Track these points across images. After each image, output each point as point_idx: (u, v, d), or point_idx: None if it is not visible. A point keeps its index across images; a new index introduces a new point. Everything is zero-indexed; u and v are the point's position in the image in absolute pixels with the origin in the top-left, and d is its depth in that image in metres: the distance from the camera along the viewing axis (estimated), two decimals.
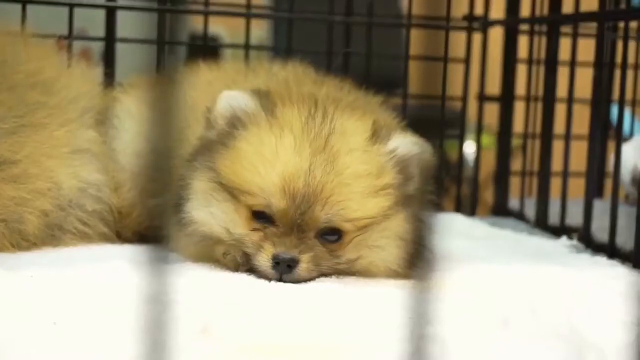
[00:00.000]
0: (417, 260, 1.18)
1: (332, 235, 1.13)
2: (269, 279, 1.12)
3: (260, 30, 3.54)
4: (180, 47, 1.91)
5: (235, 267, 1.16)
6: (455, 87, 1.94)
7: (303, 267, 1.11)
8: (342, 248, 1.14)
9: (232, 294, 1.07)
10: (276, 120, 1.15)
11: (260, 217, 1.13)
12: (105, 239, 1.36)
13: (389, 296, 1.05)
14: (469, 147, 2.45)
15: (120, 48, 1.69)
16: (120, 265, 1.12)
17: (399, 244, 1.15)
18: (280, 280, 1.11)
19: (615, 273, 1.25)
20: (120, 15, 1.67)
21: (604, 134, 1.99)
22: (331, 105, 1.18)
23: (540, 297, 1.12)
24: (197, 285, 1.11)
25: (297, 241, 1.11)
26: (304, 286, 1.12)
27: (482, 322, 1.01)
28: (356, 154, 1.13)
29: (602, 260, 1.39)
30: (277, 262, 1.10)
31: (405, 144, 1.16)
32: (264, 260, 1.11)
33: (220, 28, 3.08)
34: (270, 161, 1.12)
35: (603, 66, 1.55)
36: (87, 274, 1.10)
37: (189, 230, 1.18)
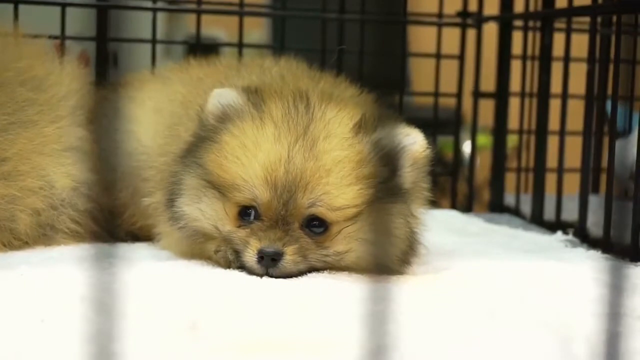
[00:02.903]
0: (410, 256, 1.18)
1: (318, 227, 1.12)
2: (258, 275, 1.12)
3: (260, 31, 3.55)
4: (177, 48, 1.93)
5: (227, 265, 1.16)
6: (450, 84, 1.94)
7: (288, 260, 1.11)
8: (329, 240, 1.13)
9: (221, 290, 1.07)
10: (261, 113, 1.15)
11: (247, 213, 1.13)
12: (97, 238, 1.36)
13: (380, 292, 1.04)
14: (468, 147, 2.45)
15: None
16: (110, 264, 1.11)
17: (390, 239, 1.13)
18: (267, 274, 1.11)
19: (607, 267, 1.25)
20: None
21: (600, 129, 1.98)
22: (318, 97, 1.17)
23: (530, 290, 1.12)
24: (185, 282, 1.11)
25: (282, 234, 1.11)
26: (292, 282, 1.12)
27: (470, 312, 1.01)
28: (335, 141, 1.12)
29: (596, 254, 1.39)
30: (261, 256, 1.10)
31: (394, 135, 1.14)
32: (250, 255, 1.11)
33: (221, 30, 3.08)
34: (252, 151, 1.12)
35: (596, 61, 1.54)
36: (76, 273, 1.10)
37: (181, 225, 1.18)
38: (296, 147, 1.11)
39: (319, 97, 1.18)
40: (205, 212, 1.16)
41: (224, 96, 1.18)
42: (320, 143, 1.11)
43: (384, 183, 1.13)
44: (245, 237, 1.13)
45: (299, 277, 1.14)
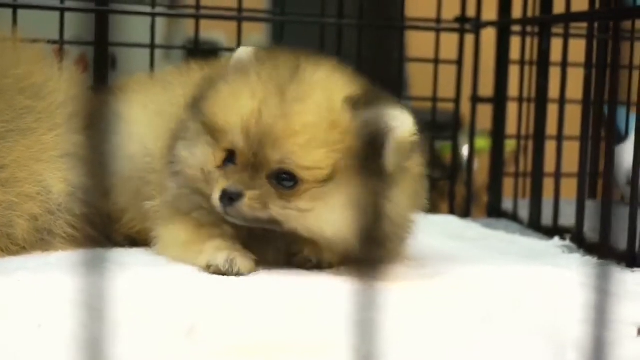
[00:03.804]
0: (379, 243, 1.17)
1: (288, 181, 1.15)
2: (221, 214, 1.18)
3: (259, 34, 3.55)
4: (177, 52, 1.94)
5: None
6: (448, 89, 1.94)
7: (245, 202, 1.15)
8: (296, 196, 1.15)
9: (217, 295, 1.08)
10: (258, 69, 1.20)
11: (230, 158, 1.18)
12: (95, 242, 1.36)
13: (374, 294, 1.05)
14: (466, 151, 2.46)
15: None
16: (107, 269, 1.12)
17: (358, 213, 1.14)
18: (226, 214, 1.17)
19: (603, 273, 1.25)
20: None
21: (598, 134, 1.98)
22: (311, 65, 1.21)
23: (526, 296, 1.12)
24: (182, 286, 1.12)
25: (248, 179, 1.16)
26: (289, 284, 1.14)
27: (465, 317, 1.01)
28: (311, 105, 1.15)
29: (592, 260, 1.39)
30: (223, 195, 1.15)
31: (381, 114, 1.14)
32: (216, 193, 1.17)
33: (221, 34, 3.09)
34: (234, 101, 1.18)
35: (594, 66, 1.55)
36: (74, 278, 1.10)
37: (176, 169, 1.25)
38: (270, 104, 1.15)
39: (312, 65, 1.21)
40: (196, 155, 1.22)
41: (240, 52, 1.24)
42: (295, 104, 1.15)
43: (364, 159, 1.12)
44: (218, 177, 1.18)
45: (296, 279, 1.17)
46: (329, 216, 1.16)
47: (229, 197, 1.15)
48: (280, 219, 1.17)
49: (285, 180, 1.15)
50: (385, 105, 1.17)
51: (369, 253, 1.17)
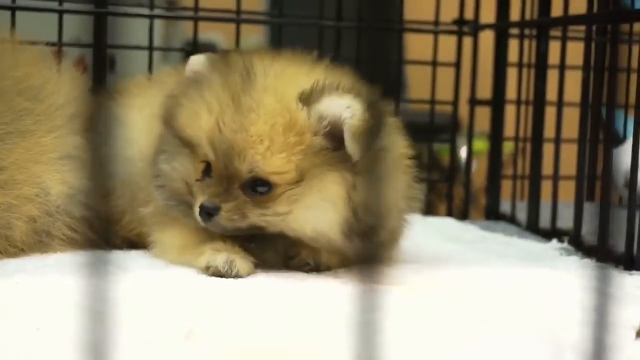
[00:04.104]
0: (359, 232, 1.17)
1: (262, 186, 1.17)
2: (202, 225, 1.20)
3: (257, 35, 3.55)
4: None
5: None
6: (446, 91, 1.95)
7: (223, 216, 1.17)
8: (272, 200, 1.17)
9: (216, 297, 1.08)
10: (211, 79, 1.21)
11: (207, 170, 1.20)
12: (94, 245, 1.36)
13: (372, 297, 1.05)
14: (465, 152, 2.46)
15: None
16: (106, 271, 1.12)
17: (333, 208, 1.16)
18: (207, 226, 1.19)
19: (601, 275, 1.25)
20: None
21: (596, 136, 1.99)
22: (263, 68, 1.20)
23: (523, 298, 1.12)
24: (181, 289, 1.12)
25: (222, 191, 1.17)
26: (288, 287, 1.14)
27: (462, 320, 1.02)
28: (264, 113, 1.15)
29: (590, 263, 1.39)
30: (201, 210, 1.18)
31: (335, 105, 1.14)
32: (195, 208, 1.19)
33: (219, 35, 3.09)
34: (195, 117, 1.19)
35: (592, 69, 1.55)
36: (72, 281, 1.10)
37: (159, 183, 1.27)
38: (227, 118, 1.16)
39: (264, 66, 1.21)
40: (177, 169, 1.24)
41: (195, 62, 1.26)
42: (248, 114, 1.15)
43: (328, 151, 1.16)
44: (196, 190, 1.20)
45: (294, 281, 1.17)
46: (307, 215, 1.17)
47: (206, 212, 1.17)
48: (261, 225, 1.19)
49: (260, 186, 1.16)
50: (335, 95, 1.16)
51: (359, 247, 1.18)
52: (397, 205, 1.25)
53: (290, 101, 1.16)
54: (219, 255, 1.19)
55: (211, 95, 1.19)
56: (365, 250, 1.13)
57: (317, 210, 1.16)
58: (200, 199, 1.18)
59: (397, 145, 1.26)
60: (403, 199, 1.27)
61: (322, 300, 1.09)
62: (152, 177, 1.28)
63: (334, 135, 1.15)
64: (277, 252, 1.26)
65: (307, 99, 1.16)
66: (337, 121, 1.14)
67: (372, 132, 1.15)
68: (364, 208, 1.15)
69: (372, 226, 1.16)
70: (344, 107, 1.14)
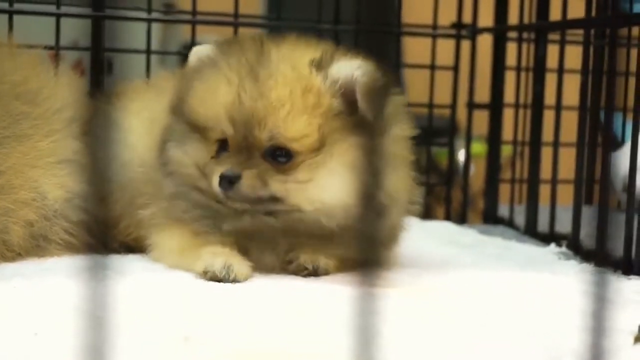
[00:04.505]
0: (377, 202, 1.18)
1: (283, 156, 1.18)
2: (222, 201, 1.20)
3: None
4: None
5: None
6: (445, 95, 1.95)
7: (245, 183, 1.17)
8: (292, 169, 1.19)
9: (214, 302, 1.08)
10: (226, 58, 1.24)
11: (223, 147, 1.21)
12: (91, 249, 1.35)
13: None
14: (463, 155, 2.46)
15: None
16: (103, 276, 1.12)
17: (353, 173, 1.17)
18: (227, 198, 1.18)
19: (599, 280, 1.25)
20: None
21: (594, 140, 1.99)
22: (273, 43, 1.25)
23: (522, 302, 1.12)
24: (179, 293, 1.12)
25: (244, 160, 1.18)
26: (286, 291, 1.14)
27: (460, 324, 1.02)
28: (281, 78, 1.18)
29: (588, 267, 1.39)
30: (222, 179, 1.18)
31: (346, 67, 1.19)
32: (215, 181, 1.19)
33: (216, 38, 3.08)
34: (213, 93, 1.21)
35: (590, 73, 1.55)
36: (70, 285, 1.10)
37: (169, 170, 1.27)
38: (247, 88, 1.18)
39: (275, 42, 1.25)
40: (188, 153, 1.25)
41: (200, 51, 1.29)
42: (267, 82, 1.18)
43: (345, 116, 1.19)
44: (212, 167, 1.21)
45: (292, 285, 1.17)
46: (327, 182, 1.18)
47: (228, 181, 1.17)
48: (281, 195, 1.19)
49: (280, 156, 1.18)
50: (346, 59, 1.21)
51: (371, 228, 1.18)
52: (400, 196, 1.26)
53: (304, 68, 1.20)
54: (217, 260, 1.19)
55: (230, 69, 1.21)
56: (369, 246, 1.13)
57: (338, 177, 1.18)
58: (218, 171, 1.18)
59: (402, 127, 1.28)
60: (405, 191, 1.28)
61: (320, 303, 1.09)
62: (160, 165, 1.29)
63: (348, 97, 1.18)
64: (277, 255, 1.26)
65: (319, 64, 1.20)
66: (349, 81, 1.17)
67: (383, 92, 1.19)
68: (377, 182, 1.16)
69: (385, 205, 1.19)
70: (355, 67, 1.18)
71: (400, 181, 1.24)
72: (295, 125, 1.17)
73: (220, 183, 1.18)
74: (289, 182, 1.18)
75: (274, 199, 1.19)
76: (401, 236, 1.32)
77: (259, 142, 1.18)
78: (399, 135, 1.26)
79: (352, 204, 1.16)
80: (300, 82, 1.18)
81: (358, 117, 1.18)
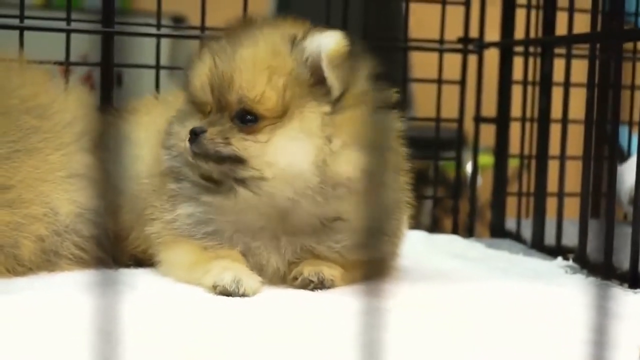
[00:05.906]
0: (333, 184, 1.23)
1: (250, 120, 1.23)
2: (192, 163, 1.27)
3: None
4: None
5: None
6: (452, 109, 1.96)
7: (206, 137, 1.24)
8: (256, 131, 1.23)
9: (223, 317, 1.09)
10: (219, 39, 1.32)
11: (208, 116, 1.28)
12: (101, 264, 1.36)
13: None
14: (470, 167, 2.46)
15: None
16: (114, 290, 1.12)
17: (309, 138, 1.22)
18: (194, 155, 1.25)
19: (605, 294, 1.25)
20: None
21: (600, 153, 1.99)
22: (265, 23, 1.32)
23: (528, 316, 1.12)
24: (188, 309, 1.12)
25: (215, 121, 1.26)
26: (293, 305, 1.15)
27: (463, 337, 1.02)
28: (253, 49, 1.25)
29: (595, 281, 1.39)
30: (190, 133, 1.25)
31: (317, 38, 1.23)
32: (186, 137, 1.26)
33: None
34: (200, 65, 1.30)
35: (596, 86, 1.55)
36: (80, 299, 1.11)
37: (170, 144, 1.32)
38: (222, 55, 1.27)
39: (263, 24, 1.32)
40: (186, 126, 1.28)
41: None
42: (242, 49, 1.25)
43: (311, 85, 1.23)
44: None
45: (300, 300, 1.18)
46: (282, 144, 1.22)
47: (193, 133, 1.24)
48: (241, 155, 1.23)
49: (249, 120, 1.23)
50: (319, 33, 1.24)
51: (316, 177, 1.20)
52: (394, 203, 1.29)
53: (277, 40, 1.26)
54: (226, 274, 1.20)
55: (215, 45, 1.30)
56: (369, 247, 1.14)
57: (295, 141, 1.22)
58: (189, 126, 1.26)
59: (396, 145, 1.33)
60: (400, 200, 1.32)
61: (328, 318, 1.09)
62: (164, 138, 1.34)
63: (315, 66, 1.22)
64: (281, 257, 1.28)
65: (294, 37, 1.25)
66: (316, 50, 1.22)
67: (351, 62, 1.23)
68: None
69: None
70: (324, 38, 1.23)
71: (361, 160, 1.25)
72: (257, 86, 1.22)
73: (189, 137, 1.24)
74: (249, 140, 1.23)
75: (237, 160, 1.23)
76: (401, 244, 1.33)
77: (230, 105, 1.24)
78: (370, 107, 1.27)
79: (307, 170, 1.20)
80: (268, 47, 1.25)
81: (325, 87, 1.22)
